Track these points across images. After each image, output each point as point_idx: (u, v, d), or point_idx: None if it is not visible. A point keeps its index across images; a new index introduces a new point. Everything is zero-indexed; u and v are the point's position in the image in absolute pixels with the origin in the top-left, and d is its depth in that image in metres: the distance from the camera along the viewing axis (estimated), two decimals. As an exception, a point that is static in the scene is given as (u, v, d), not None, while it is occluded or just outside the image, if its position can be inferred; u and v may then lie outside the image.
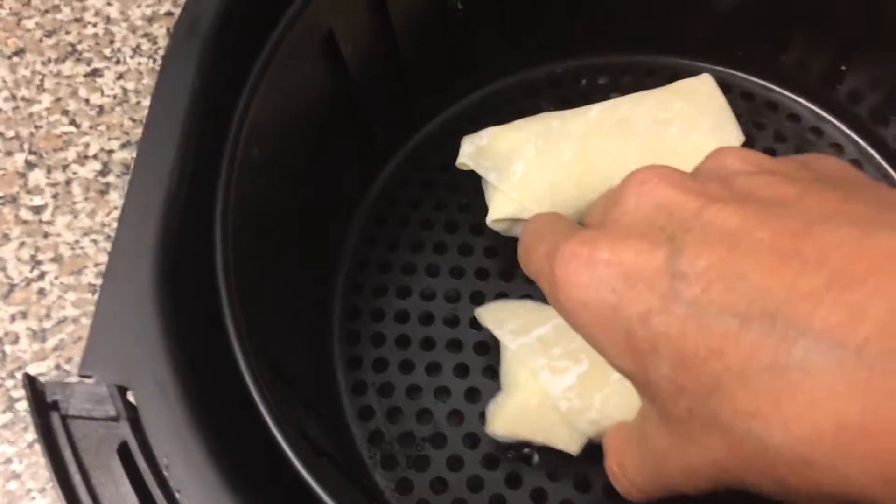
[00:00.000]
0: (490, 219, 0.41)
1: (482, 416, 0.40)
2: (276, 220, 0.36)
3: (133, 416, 0.25)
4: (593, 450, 0.36)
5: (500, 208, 0.41)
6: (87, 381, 0.26)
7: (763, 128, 0.46)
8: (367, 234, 0.45)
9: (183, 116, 0.30)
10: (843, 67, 0.44)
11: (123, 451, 0.24)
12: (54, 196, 0.50)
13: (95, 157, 0.51)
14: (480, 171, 0.41)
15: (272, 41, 0.33)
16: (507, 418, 0.37)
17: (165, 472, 0.24)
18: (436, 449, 0.40)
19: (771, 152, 0.45)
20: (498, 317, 0.39)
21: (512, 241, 0.44)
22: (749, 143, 0.45)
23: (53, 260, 0.48)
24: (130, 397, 0.25)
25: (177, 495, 0.24)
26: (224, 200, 0.30)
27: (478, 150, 0.42)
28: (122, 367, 0.25)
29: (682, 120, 0.42)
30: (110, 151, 0.51)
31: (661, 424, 0.26)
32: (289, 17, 0.33)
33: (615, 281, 0.25)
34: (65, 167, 0.51)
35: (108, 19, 0.56)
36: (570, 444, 0.37)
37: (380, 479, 0.39)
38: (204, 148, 0.31)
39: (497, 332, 0.38)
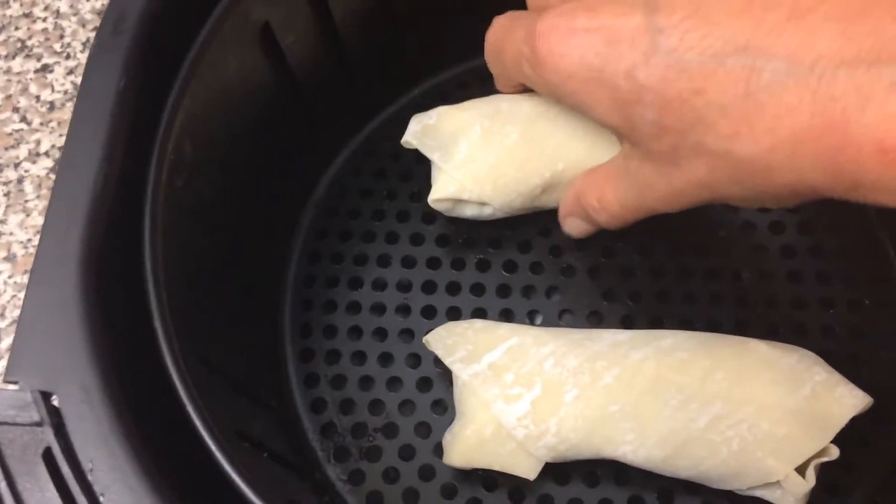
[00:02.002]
0: (431, 198, 0.41)
1: (434, 406, 0.40)
2: (216, 218, 0.36)
3: (57, 421, 0.25)
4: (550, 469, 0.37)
5: (442, 188, 0.41)
6: (11, 387, 0.26)
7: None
8: (318, 225, 0.45)
9: (108, 117, 0.30)
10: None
11: (48, 457, 0.24)
12: (6, 195, 0.50)
13: (47, 154, 0.51)
14: (424, 150, 0.41)
15: (202, 36, 0.32)
16: (464, 449, 0.36)
17: (89, 477, 0.24)
18: (388, 439, 0.40)
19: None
20: (447, 343, 0.38)
21: (462, 230, 0.44)
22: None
23: (6, 259, 0.48)
24: (56, 402, 0.25)
25: (101, 499, 0.24)
26: (153, 199, 0.29)
27: (424, 129, 0.42)
28: (47, 372, 0.25)
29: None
30: (62, 148, 0.51)
31: (645, 160, 0.31)
32: (219, 11, 0.33)
33: (598, 45, 0.29)
34: (16, 165, 0.51)
35: (57, 13, 0.55)
36: (529, 471, 0.36)
37: (331, 472, 0.39)
38: (133, 148, 0.30)
39: (447, 361, 0.38)
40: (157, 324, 0.27)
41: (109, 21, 0.31)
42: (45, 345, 0.26)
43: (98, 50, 0.31)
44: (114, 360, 0.26)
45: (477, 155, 0.41)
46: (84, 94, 0.30)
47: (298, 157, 0.43)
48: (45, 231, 0.28)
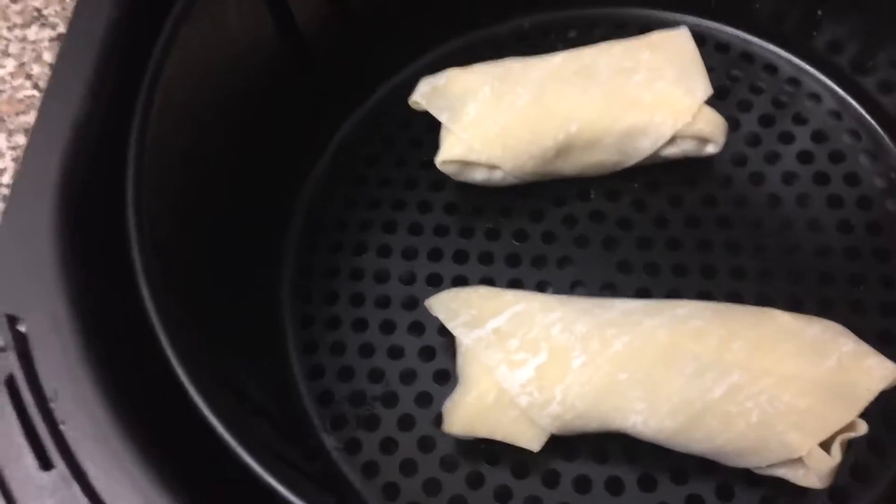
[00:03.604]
0: (439, 159, 0.39)
1: (436, 376, 0.39)
2: (210, 167, 0.34)
3: (23, 347, 0.23)
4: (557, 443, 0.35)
5: (450, 149, 0.39)
6: (-22, 312, 0.24)
7: (738, 80, 0.44)
8: (322, 191, 0.43)
9: (97, 50, 0.29)
10: (819, 12, 0.42)
11: (10, 383, 0.23)
12: (14, 160, 0.49)
13: (56, 120, 0.50)
14: (433, 111, 0.40)
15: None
16: (464, 416, 0.34)
17: (52, 405, 0.23)
18: (387, 409, 0.38)
19: (747, 104, 0.43)
20: (450, 307, 0.36)
21: (471, 197, 0.42)
22: (724, 96, 0.43)
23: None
24: (23, 328, 0.24)
25: (61, 427, 0.22)
26: (139, 136, 0.28)
27: (433, 90, 0.40)
28: (15, 296, 0.24)
29: (648, 69, 0.40)
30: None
31: None
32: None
33: None
34: (27, 131, 0.50)
35: (74, -17, 0.55)
36: (533, 441, 0.34)
37: (327, 440, 0.37)
38: (122, 85, 0.29)
39: (450, 325, 0.36)
40: (136, 256, 0.26)
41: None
42: (15, 269, 0.25)
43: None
44: (86, 291, 0.25)
45: (486, 116, 0.39)
46: (74, 26, 0.29)
47: (304, 118, 0.42)
48: (25, 159, 0.27)
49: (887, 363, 0.32)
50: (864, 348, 0.33)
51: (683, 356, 0.33)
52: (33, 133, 0.27)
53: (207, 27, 0.33)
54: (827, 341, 0.33)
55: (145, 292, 0.26)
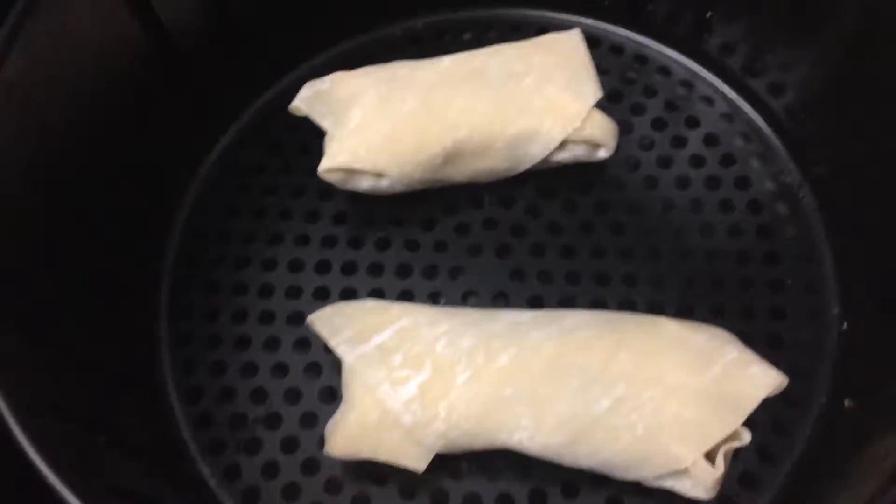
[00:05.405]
0: (322, 168, 0.37)
1: (322, 394, 0.37)
2: (66, 179, 0.32)
3: None
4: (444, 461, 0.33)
5: (333, 157, 0.37)
6: None
7: (632, 82, 0.43)
8: (203, 201, 0.41)
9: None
10: (710, 14, 0.42)
11: None
12: None
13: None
14: (314, 117, 0.38)
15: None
16: (346, 438, 0.33)
17: None
18: (270, 430, 0.36)
19: (640, 108, 0.43)
20: (333, 323, 0.35)
21: (362, 206, 0.41)
22: (617, 99, 0.43)
23: None
24: None
25: None
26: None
27: (316, 95, 0.38)
28: None
29: (538, 73, 0.39)
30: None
31: None
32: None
33: None
34: None
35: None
36: (417, 460, 0.33)
37: (204, 468, 0.35)
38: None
39: (332, 343, 0.34)
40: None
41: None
42: None
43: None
44: None
45: (372, 122, 0.38)
46: None
47: (181, 124, 0.40)
48: None
49: (770, 371, 0.32)
50: (749, 356, 0.32)
51: (570, 369, 0.32)
52: None
53: (56, 26, 0.30)
54: (713, 350, 0.32)
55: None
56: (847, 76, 0.37)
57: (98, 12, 0.32)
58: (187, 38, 0.38)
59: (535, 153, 0.38)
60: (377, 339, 0.34)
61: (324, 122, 0.38)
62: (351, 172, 0.38)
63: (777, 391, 0.32)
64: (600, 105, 0.39)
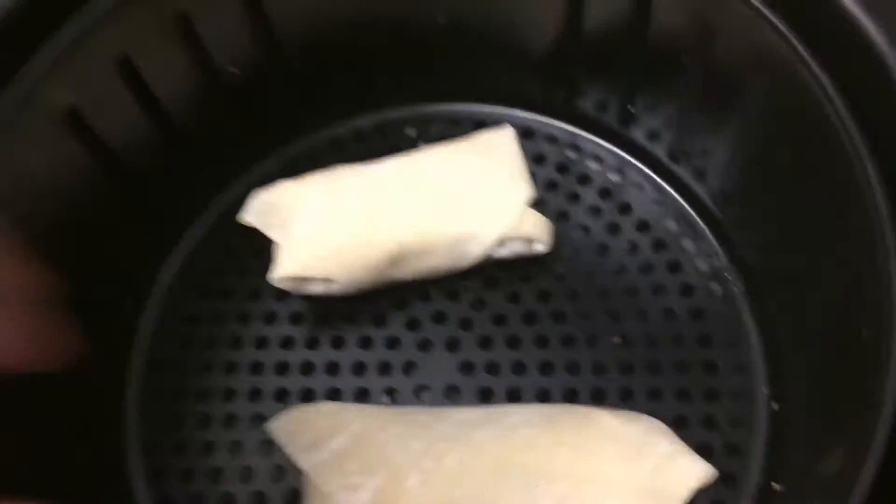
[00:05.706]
0: (274, 277, 0.40)
1: (288, 497, 0.39)
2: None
3: None
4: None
5: (283, 267, 0.39)
6: None
7: (567, 171, 0.46)
8: (164, 309, 0.43)
9: None
10: (631, 108, 0.44)
11: None
12: None
13: None
14: (264, 229, 0.40)
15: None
16: None
17: None
18: (237, 536, 0.38)
19: (574, 197, 0.45)
20: (290, 430, 0.36)
21: (316, 306, 0.43)
22: (552, 188, 0.45)
23: None
24: None
25: None
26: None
27: (263, 206, 0.40)
28: None
29: (474, 174, 0.41)
30: None
31: None
32: (6, 98, 0.31)
33: None
34: None
35: None
36: None
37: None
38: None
39: (289, 451, 0.36)
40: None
41: None
42: None
43: None
44: None
45: (318, 232, 0.40)
46: None
47: (136, 238, 0.42)
48: None
49: (699, 463, 0.34)
50: (679, 447, 0.35)
51: (513, 468, 0.34)
52: None
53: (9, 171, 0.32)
54: (647, 443, 0.35)
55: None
56: (760, 163, 0.39)
57: (51, 158, 0.34)
58: (130, 154, 0.39)
59: (475, 252, 0.41)
60: (332, 445, 0.36)
61: (273, 234, 0.40)
62: (303, 279, 0.40)
63: (707, 483, 0.34)
64: (538, 193, 0.41)
